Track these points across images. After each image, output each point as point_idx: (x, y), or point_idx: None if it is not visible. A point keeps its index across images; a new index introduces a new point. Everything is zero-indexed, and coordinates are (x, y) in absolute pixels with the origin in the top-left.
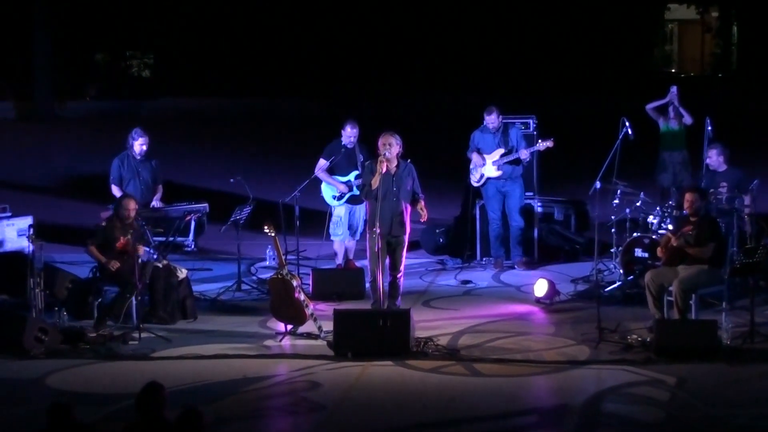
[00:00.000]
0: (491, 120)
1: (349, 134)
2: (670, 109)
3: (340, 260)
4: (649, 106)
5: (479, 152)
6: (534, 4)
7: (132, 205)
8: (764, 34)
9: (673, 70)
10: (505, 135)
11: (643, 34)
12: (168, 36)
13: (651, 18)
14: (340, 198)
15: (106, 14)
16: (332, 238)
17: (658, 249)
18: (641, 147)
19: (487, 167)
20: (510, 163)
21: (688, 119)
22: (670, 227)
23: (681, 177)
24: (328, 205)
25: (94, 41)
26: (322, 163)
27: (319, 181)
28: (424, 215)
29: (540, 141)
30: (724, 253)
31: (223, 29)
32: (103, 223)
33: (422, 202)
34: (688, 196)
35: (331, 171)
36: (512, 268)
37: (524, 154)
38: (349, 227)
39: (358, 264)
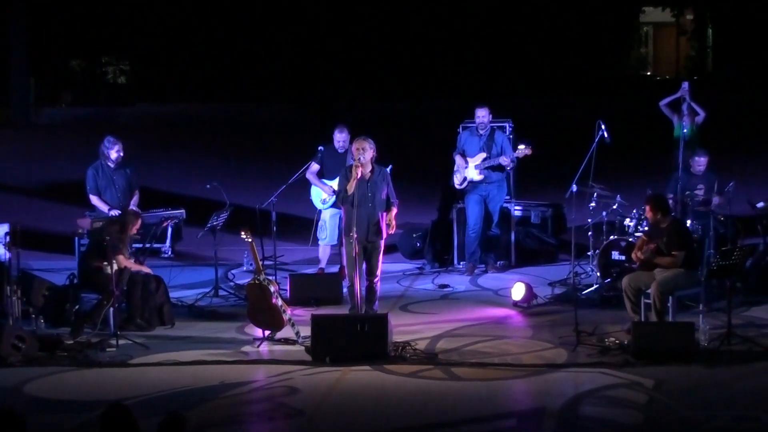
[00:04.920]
0: (482, 115)
1: (338, 139)
2: (684, 105)
3: (323, 264)
4: (663, 102)
5: (463, 154)
6: (509, 8)
7: (139, 224)
8: (739, 36)
9: (648, 73)
10: (490, 139)
11: (618, 37)
12: (144, 42)
13: (626, 21)
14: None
15: (82, 21)
16: (319, 242)
17: (633, 253)
18: (617, 150)
19: (469, 170)
20: (492, 168)
21: (701, 114)
22: (647, 229)
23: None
24: (315, 209)
25: (70, 48)
26: (314, 167)
27: (296, 187)
28: (392, 227)
29: (519, 147)
30: (699, 255)
31: (199, 35)
32: (107, 237)
33: (393, 211)
34: (646, 208)
35: (321, 175)
36: (486, 272)
37: (504, 160)
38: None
39: (327, 271)
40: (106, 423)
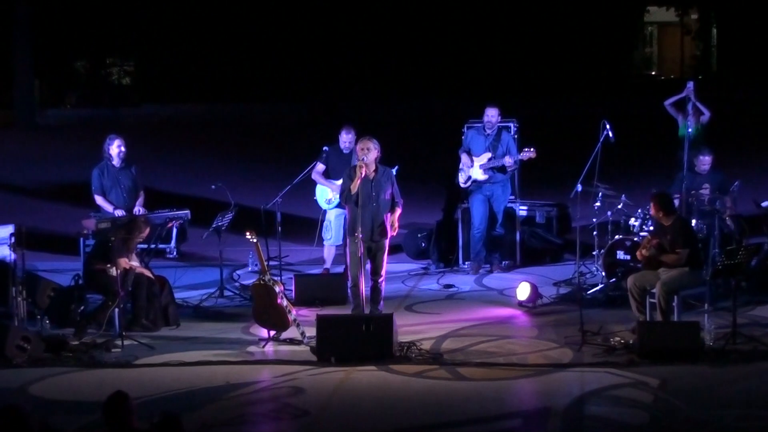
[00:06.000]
0: (491, 114)
1: (345, 140)
2: (689, 105)
3: (328, 265)
4: (668, 102)
5: (469, 153)
6: (514, 8)
7: (147, 232)
8: (743, 35)
9: (653, 73)
10: (497, 139)
11: (622, 37)
12: (148, 43)
13: (631, 21)
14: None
15: (86, 22)
16: (324, 242)
17: (637, 253)
18: (622, 149)
19: (474, 169)
20: (496, 168)
21: (706, 114)
22: (652, 229)
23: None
24: (320, 209)
25: (74, 49)
26: (319, 167)
27: (300, 187)
28: (395, 228)
29: (524, 150)
30: (704, 255)
31: (203, 35)
32: (112, 238)
33: (397, 212)
34: (651, 205)
35: (326, 175)
36: (491, 272)
37: (508, 161)
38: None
39: (333, 271)
40: (110, 408)
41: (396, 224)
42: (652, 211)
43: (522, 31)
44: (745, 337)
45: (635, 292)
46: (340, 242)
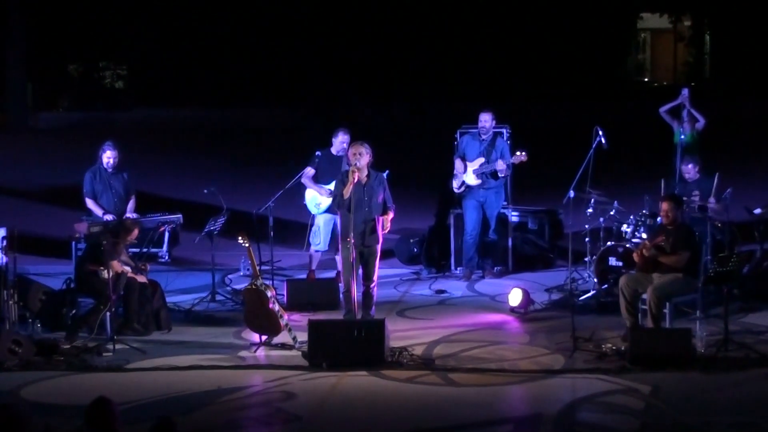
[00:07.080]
0: (485, 119)
1: (342, 140)
2: (684, 112)
3: (314, 266)
4: (663, 109)
5: (463, 159)
6: (507, 14)
7: (135, 234)
8: (736, 42)
9: (646, 79)
10: (491, 145)
11: (616, 43)
12: (141, 47)
13: (624, 27)
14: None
15: (80, 25)
16: (312, 247)
17: (634, 254)
18: (614, 156)
19: (467, 175)
20: (489, 174)
21: (701, 121)
22: (644, 236)
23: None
24: (310, 214)
25: (68, 52)
26: (310, 171)
27: (293, 191)
28: (387, 228)
29: (515, 154)
30: (699, 262)
31: (196, 40)
32: (104, 242)
33: (390, 215)
34: (664, 205)
35: (316, 179)
36: (483, 278)
37: (501, 165)
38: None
39: (323, 275)
40: (92, 414)
41: (388, 225)
42: (663, 210)
43: (516, 36)
44: (736, 344)
45: (626, 293)
46: (327, 248)
